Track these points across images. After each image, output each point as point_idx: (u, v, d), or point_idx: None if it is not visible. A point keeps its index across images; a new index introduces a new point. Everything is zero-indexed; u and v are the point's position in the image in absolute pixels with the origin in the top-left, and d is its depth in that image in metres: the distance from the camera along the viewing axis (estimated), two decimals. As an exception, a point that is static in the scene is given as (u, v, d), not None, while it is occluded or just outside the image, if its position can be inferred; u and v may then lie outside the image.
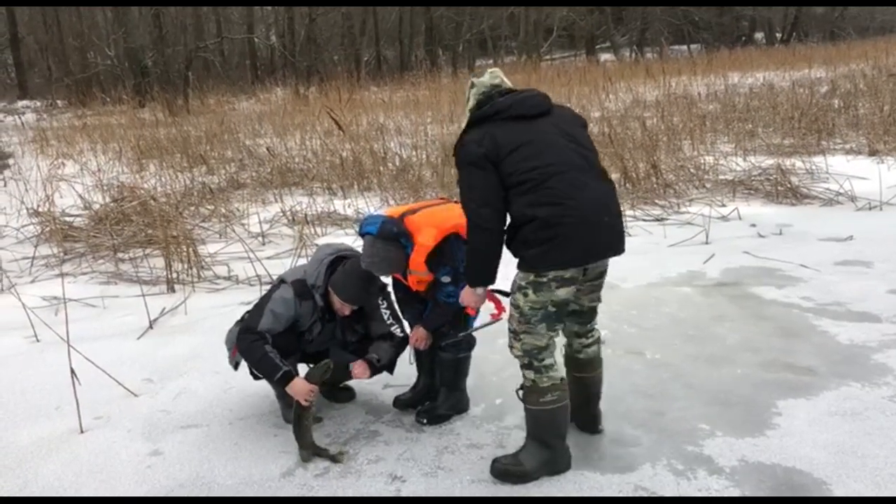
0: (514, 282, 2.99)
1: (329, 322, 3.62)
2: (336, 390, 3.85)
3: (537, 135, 2.91)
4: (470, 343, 3.61)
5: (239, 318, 3.77)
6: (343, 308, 3.51)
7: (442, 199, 3.86)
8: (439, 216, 3.40)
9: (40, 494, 3.17)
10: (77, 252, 6.99)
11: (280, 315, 3.46)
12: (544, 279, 2.88)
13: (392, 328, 3.63)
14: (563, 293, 2.93)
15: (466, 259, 3.01)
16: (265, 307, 3.48)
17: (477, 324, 3.46)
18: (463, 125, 3.12)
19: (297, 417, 3.36)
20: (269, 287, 3.69)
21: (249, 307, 3.70)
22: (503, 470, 3.09)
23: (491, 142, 2.88)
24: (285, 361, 3.40)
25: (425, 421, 3.58)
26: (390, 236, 3.32)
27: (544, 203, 2.82)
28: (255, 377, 3.67)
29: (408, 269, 3.40)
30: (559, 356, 3.16)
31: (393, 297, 3.73)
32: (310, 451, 3.34)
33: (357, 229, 3.57)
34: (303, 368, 3.57)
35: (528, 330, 2.98)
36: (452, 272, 3.37)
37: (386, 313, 3.64)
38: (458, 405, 3.66)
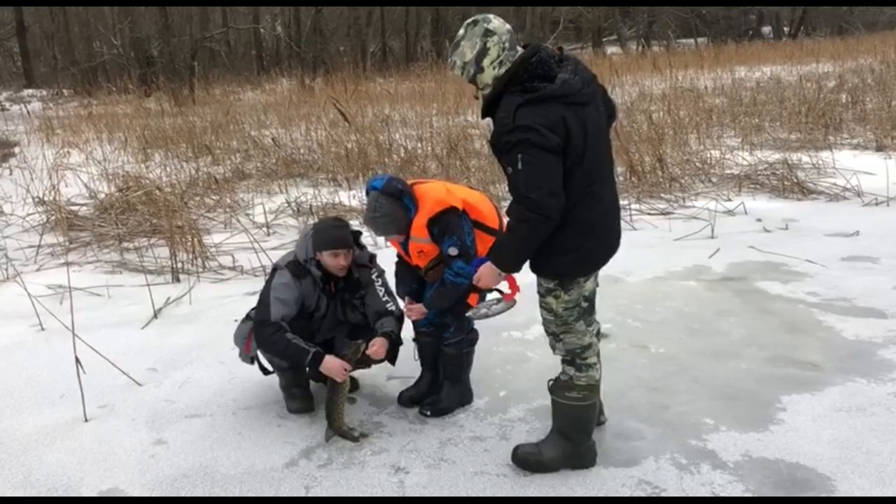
0: (539, 284, 2.93)
1: (332, 299, 3.65)
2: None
3: (591, 128, 2.71)
4: (473, 338, 3.63)
5: (245, 315, 3.79)
6: (338, 262, 3.51)
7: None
8: (449, 187, 3.43)
9: (44, 482, 3.18)
10: (82, 241, 7.00)
11: (286, 299, 3.48)
12: (571, 277, 2.87)
13: (387, 305, 3.65)
14: (589, 285, 2.94)
15: (511, 244, 2.78)
16: (269, 298, 3.49)
17: (493, 310, 3.31)
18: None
19: (331, 395, 3.40)
20: (267, 278, 3.70)
21: (254, 296, 3.71)
22: (523, 458, 3.10)
23: (564, 130, 2.62)
24: (310, 343, 3.42)
25: (429, 413, 3.58)
26: (394, 192, 3.34)
27: (584, 207, 2.73)
28: (265, 372, 3.70)
29: (409, 235, 3.38)
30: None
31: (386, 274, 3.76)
32: (336, 430, 3.37)
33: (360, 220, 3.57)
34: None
35: (567, 330, 2.94)
36: (459, 244, 3.30)
37: (381, 290, 3.66)
38: (462, 398, 3.66)
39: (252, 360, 3.71)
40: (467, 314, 3.19)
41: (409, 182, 3.48)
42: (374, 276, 3.67)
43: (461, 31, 2.77)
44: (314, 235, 3.55)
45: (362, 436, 3.38)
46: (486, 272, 2.90)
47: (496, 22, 2.74)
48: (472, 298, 3.45)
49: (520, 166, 2.62)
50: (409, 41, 33.65)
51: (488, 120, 2.83)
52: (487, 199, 3.56)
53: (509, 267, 2.85)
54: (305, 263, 3.56)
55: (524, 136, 2.59)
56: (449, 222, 3.31)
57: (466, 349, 3.61)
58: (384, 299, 3.65)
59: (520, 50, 2.75)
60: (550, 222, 2.66)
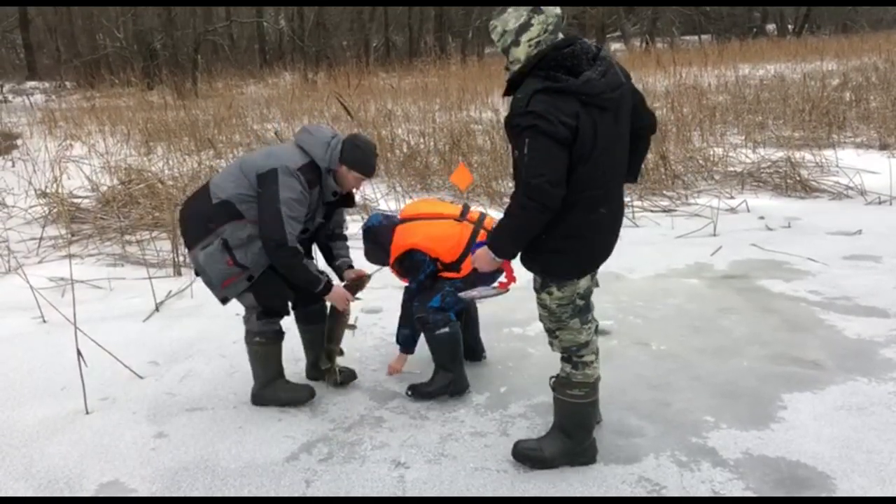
0: (534, 280, 2.93)
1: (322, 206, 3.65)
2: (337, 373, 3.84)
3: (602, 133, 2.64)
4: (445, 320, 3.62)
5: (221, 243, 3.37)
6: (358, 185, 3.59)
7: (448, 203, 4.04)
8: (409, 232, 3.68)
9: (45, 474, 3.18)
10: (84, 234, 7.00)
11: (298, 216, 3.34)
12: (559, 277, 2.86)
13: (343, 223, 3.86)
14: (584, 282, 2.90)
15: (507, 229, 2.75)
16: (282, 215, 3.27)
17: (483, 293, 3.41)
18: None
19: (332, 322, 3.70)
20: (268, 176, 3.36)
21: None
22: (523, 453, 3.09)
23: (574, 126, 2.57)
24: (322, 272, 3.50)
25: (410, 393, 3.68)
26: (370, 238, 3.80)
27: (579, 212, 2.70)
28: (267, 310, 3.56)
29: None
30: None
31: None
32: (327, 354, 3.72)
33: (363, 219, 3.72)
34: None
35: (562, 327, 2.93)
36: (414, 282, 3.70)
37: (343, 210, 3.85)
38: (450, 387, 3.67)
39: (224, 300, 3.56)
40: (461, 295, 3.35)
41: (406, 213, 3.81)
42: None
43: None
44: (351, 150, 3.45)
45: (341, 384, 3.75)
46: (481, 255, 2.92)
47: (552, 8, 2.69)
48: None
49: (526, 151, 2.58)
50: (412, 36, 33.63)
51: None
52: (450, 234, 3.66)
53: (503, 252, 2.84)
54: (327, 172, 3.45)
55: (534, 122, 2.54)
56: (409, 266, 3.69)
57: (440, 331, 3.61)
58: (344, 217, 3.85)
59: (560, 38, 2.70)
60: (547, 211, 2.61)
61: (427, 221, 3.74)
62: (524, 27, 2.65)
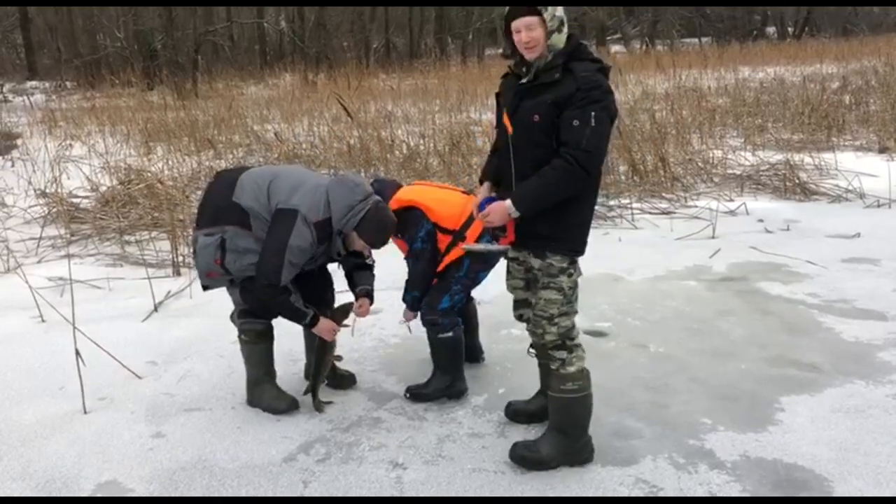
0: (551, 266, 2.92)
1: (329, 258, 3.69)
2: (337, 377, 3.86)
3: None
4: (452, 324, 3.63)
5: (219, 241, 3.39)
6: (365, 249, 3.60)
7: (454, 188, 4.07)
8: (412, 190, 3.72)
9: (43, 473, 3.18)
10: (83, 234, 7.00)
11: (298, 263, 3.38)
12: (578, 253, 2.98)
13: (367, 258, 3.79)
14: None
15: (542, 186, 2.80)
16: (283, 259, 3.30)
17: (487, 247, 3.41)
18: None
19: (320, 352, 3.62)
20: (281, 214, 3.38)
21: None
22: (520, 455, 3.09)
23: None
24: (308, 305, 3.49)
25: (408, 395, 3.69)
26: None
27: (595, 187, 2.94)
28: (249, 310, 3.61)
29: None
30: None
31: None
32: (312, 387, 3.63)
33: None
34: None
35: (568, 310, 2.97)
36: (409, 242, 3.64)
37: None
38: (448, 389, 3.68)
39: (205, 287, 3.63)
40: (463, 246, 3.41)
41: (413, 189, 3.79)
42: None
43: None
44: (369, 221, 3.41)
45: (326, 404, 3.64)
46: (497, 209, 2.92)
47: (555, 4, 2.87)
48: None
49: (592, 123, 2.73)
50: (412, 37, 33.66)
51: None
52: (455, 201, 3.67)
53: (527, 207, 2.86)
54: (338, 234, 3.46)
55: (605, 98, 2.76)
56: (404, 221, 3.59)
57: (442, 335, 3.62)
58: (366, 253, 3.76)
59: None
60: (586, 183, 2.80)
61: (433, 188, 3.83)
62: (564, 21, 2.85)
